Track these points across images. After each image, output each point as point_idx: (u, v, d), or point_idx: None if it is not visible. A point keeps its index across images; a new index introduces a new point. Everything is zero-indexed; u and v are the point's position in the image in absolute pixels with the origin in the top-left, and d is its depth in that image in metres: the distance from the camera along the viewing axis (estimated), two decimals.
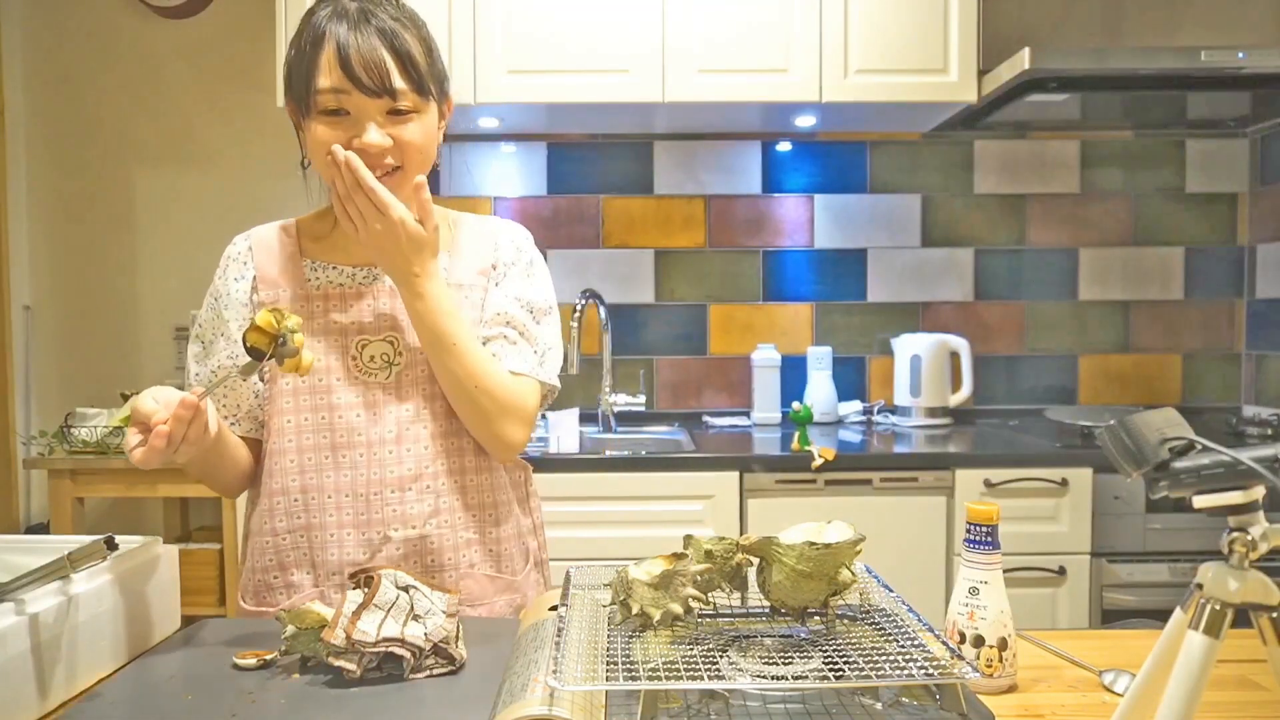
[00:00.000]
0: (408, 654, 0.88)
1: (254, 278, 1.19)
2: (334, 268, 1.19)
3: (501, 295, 1.21)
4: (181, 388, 1.01)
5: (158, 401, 0.94)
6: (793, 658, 0.79)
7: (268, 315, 0.97)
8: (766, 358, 2.70)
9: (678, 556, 0.87)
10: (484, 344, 1.17)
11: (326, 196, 1.18)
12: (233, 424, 1.18)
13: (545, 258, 1.32)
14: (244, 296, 1.19)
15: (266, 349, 0.97)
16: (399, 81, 1.08)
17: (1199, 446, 0.62)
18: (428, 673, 0.89)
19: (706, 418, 2.76)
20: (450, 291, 1.14)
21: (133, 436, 0.94)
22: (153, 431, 0.92)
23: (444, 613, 0.91)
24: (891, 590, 0.91)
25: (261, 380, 1.18)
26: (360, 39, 1.06)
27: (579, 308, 2.58)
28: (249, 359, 0.98)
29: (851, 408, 2.77)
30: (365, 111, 1.08)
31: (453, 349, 1.11)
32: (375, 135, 1.08)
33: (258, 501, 1.18)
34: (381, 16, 1.08)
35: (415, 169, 1.12)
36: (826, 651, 0.79)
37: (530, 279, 1.24)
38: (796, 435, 2.26)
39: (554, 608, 0.92)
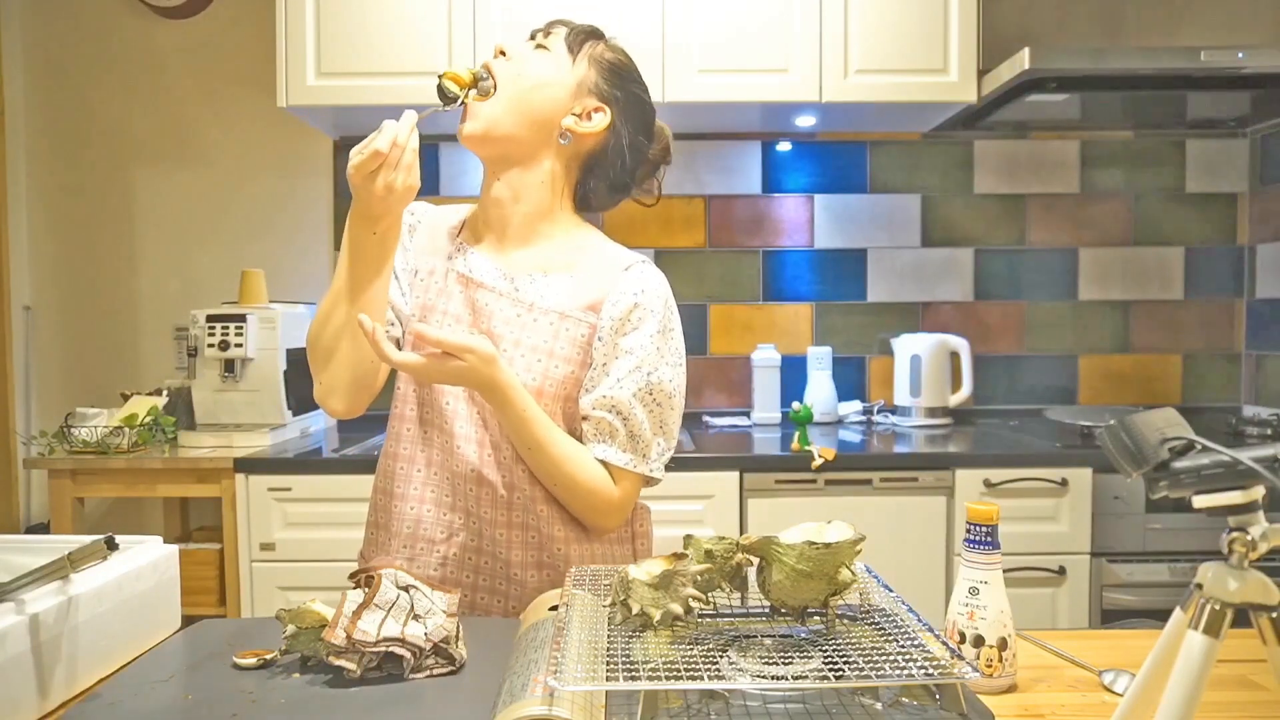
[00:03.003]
0: (408, 654, 0.88)
1: (409, 228, 1.24)
2: (472, 253, 1.21)
3: (616, 375, 1.12)
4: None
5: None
6: (793, 658, 0.79)
7: (465, 71, 1.14)
8: (766, 358, 2.70)
9: (678, 556, 0.86)
10: (585, 420, 1.14)
11: None
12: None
13: None
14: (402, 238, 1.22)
15: (461, 91, 1.13)
16: None
17: (1199, 446, 0.62)
18: (428, 673, 0.89)
19: (706, 417, 2.76)
20: (527, 395, 1.09)
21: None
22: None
23: (444, 612, 0.91)
24: (891, 590, 0.91)
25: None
26: None
27: None
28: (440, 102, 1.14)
29: (851, 408, 2.77)
30: None
31: (528, 453, 1.11)
32: None
33: None
34: None
35: None
36: (826, 651, 0.79)
37: (661, 351, 1.14)
38: (796, 435, 2.26)
39: (554, 608, 0.92)
